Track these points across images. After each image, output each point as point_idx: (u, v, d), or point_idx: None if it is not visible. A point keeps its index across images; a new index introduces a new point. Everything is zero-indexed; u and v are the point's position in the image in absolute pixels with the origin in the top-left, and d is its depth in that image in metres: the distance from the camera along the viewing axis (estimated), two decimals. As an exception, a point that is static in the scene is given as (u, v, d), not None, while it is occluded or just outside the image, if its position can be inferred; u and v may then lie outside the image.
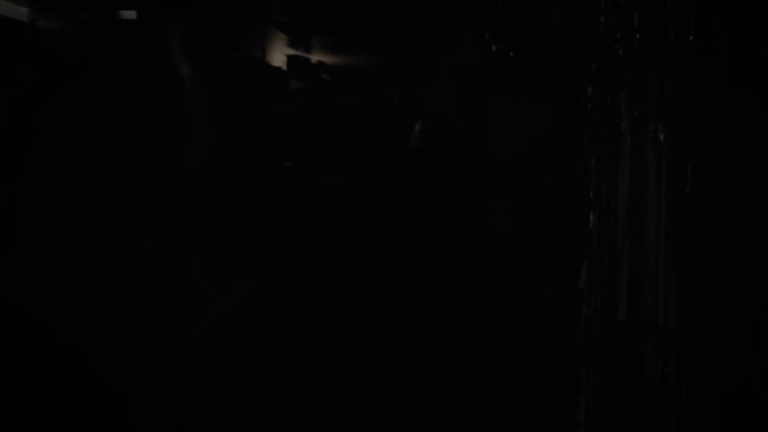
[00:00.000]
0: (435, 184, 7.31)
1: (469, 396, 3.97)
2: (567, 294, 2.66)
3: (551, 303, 3.79)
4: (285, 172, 6.59)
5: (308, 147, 7.48)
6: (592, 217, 1.78)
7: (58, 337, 2.07)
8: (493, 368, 4.44)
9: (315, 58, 7.05)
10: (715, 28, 1.48)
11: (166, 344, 2.36)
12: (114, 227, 2.88)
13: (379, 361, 4.27)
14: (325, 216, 7.02)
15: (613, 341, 1.85)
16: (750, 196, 1.52)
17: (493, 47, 3.41)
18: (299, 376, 3.31)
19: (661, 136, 1.56)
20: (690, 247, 1.54)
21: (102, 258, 2.28)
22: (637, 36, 1.59)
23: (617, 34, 1.64)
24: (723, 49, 1.48)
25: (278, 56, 6.52)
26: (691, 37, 1.49)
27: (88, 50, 2.60)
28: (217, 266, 3.22)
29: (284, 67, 6.52)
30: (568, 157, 2.79)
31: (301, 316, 4.16)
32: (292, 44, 6.33)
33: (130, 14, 2.91)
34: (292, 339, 3.84)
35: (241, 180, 4.23)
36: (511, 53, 3.43)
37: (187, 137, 3.17)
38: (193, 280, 2.92)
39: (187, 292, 2.71)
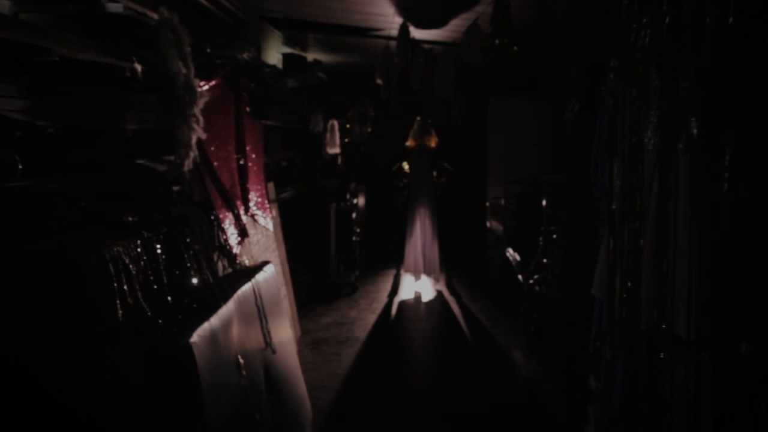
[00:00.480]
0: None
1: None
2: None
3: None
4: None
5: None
6: (615, 221, 1.62)
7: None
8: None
9: (311, 56, 6.93)
10: (758, 8, 1.32)
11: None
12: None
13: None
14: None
15: (636, 352, 1.71)
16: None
17: (497, 41, 3.26)
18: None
19: (695, 131, 1.40)
20: (725, 254, 1.39)
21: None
22: (667, 20, 1.43)
23: (643, 18, 1.47)
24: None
25: (273, 54, 6.38)
26: (731, 19, 1.32)
27: (73, 46, 2.44)
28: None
29: (279, 65, 6.38)
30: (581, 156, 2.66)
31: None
32: (287, 42, 6.20)
33: (116, 7, 2.76)
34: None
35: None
36: (515, 47, 3.28)
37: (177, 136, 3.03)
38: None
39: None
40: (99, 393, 1.99)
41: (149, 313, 2.22)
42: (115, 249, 2.13)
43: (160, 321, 2.26)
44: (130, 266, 2.18)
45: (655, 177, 1.50)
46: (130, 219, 2.43)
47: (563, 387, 3.75)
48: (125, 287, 2.12)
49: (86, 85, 2.65)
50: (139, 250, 2.29)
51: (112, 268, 2.06)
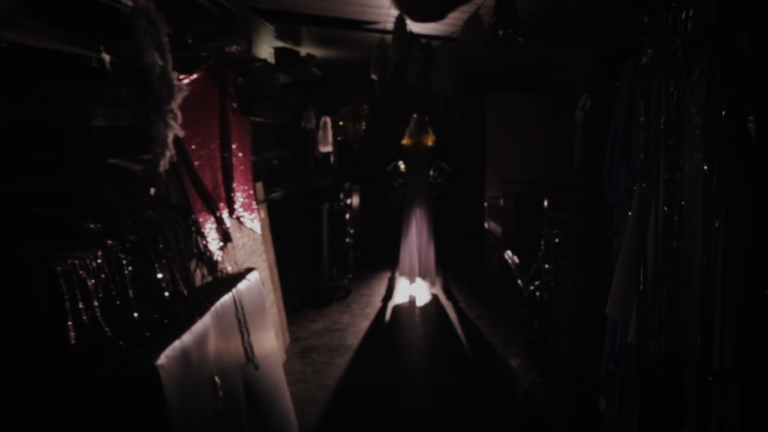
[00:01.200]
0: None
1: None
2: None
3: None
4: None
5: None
6: (649, 240, 1.37)
7: None
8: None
9: (304, 50, 6.68)
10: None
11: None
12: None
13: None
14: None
15: (665, 382, 1.47)
16: None
17: (501, 32, 3.01)
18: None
19: (752, 126, 1.15)
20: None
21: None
22: (716, -3, 1.17)
23: (685, -4, 1.21)
24: None
25: (265, 48, 6.14)
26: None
27: (30, 32, 2.20)
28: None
29: (271, 60, 6.14)
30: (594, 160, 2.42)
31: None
32: (279, 35, 5.95)
33: (86, -8, 2.50)
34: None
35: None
36: (521, 39, 3.03)
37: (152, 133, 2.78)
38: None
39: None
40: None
41: (109, 333, 1.97)
42: (69, 261, 1.89)
43: (121, 342, 2.01)
44: (88, 281, 1.93)
45: (700, 188, 1.26)
46: (92, 226, 2.18)
47: (570, 409, 3.50)
48: (80, 305, 1.87)
49: (44, 76, 2.39)
50: (99, 261, 2.04)
51: (64, 284, 1.82)
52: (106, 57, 2.55)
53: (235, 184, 4.00)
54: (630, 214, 1.96)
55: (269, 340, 3.44)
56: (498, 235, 7.19)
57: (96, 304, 1.95)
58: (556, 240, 4.56)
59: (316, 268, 6.57)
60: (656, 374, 1.43)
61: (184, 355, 2.25)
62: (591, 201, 2.66)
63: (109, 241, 2.15)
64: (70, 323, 1.80)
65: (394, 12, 4.67)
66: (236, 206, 3.98)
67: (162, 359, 2.08)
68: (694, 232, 1.31)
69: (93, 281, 1.96)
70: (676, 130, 1.28)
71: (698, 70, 1.46)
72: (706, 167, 1.21)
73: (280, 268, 5.08)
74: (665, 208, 1.28)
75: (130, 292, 2.19)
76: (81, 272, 1.91)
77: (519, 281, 5.32)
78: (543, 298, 4.44)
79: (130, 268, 2.22)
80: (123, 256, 2.19)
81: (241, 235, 4.04)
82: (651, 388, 1.46)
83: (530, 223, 6.47)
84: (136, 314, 2.18)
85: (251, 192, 4.41)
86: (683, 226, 1.29)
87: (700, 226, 1.23)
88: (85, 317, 1.88)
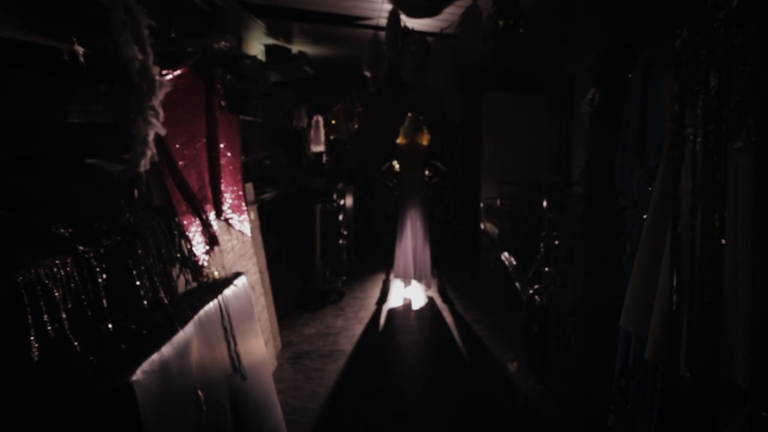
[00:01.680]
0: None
1: None
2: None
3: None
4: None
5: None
6: (683, 249, 1.22)
7: None
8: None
9: (296, 48, 6.52)
10: None
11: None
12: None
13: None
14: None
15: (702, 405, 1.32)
16: None
17: (501, 22, 2.85)
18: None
19: None
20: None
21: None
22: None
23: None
24: None
25: (255, 45, 5.99)
26: None
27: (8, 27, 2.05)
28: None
29: (262, 57, 5.98)
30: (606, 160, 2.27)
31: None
32: (270, 32, 5.79)
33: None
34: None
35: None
36: (522, 30, 2.87)
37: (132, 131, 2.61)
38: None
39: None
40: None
41: (78, 348, 1.81)
42: (33, 270, 1.72)
43: (92, 357, 1.85)
44: (54, 291, 1.77)
45: (734, 189, 1.11)
46: (62, 231, 2.01)
47: (575, 425, 3.34)
48: (45, 317, 1.71)
49: (13, 69, 2.23)
50: (68, 269, 1.88)
51: (26, 296, 1.65)
52: (80, 49, 2.39)
53: (223, 185, 3.83)
54: (645, 217, 1.81)
55: (258, 348, 3.28)
56: (495, 237, 7.05)
57: (64, 316, 1.78)
58: (556, 242, 4.41)
59: (309, 270, 6.41)
60: (690, 400, 1.29)
61: (163, 368, 2.09)
62: (600, 202, 2.51)
63: (81, 247, 1.99)
64: (32, 338, 1.64)
65: (388, 7, 4.52)
66: (224, 208, 3.82)
67: (138, 375, 1.92)
68: (730, 241, 1.16)
69: (60, 291, 1.79)
70: (717, 121, 1.12)
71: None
72: (743, 167, 1.07)
73: (271, 271, 4.92)
74: (702, 214, 1.13)
75: (104, 301, 2.02)
76: (47, 281, 1.75)
77: (517, 284, 5.17)
78: (542, 302, 4.30)
79: (104, 276, 2.06)
80: (96, 262, 2.03)
81: (229, 238, 3.88)
82: (682, 412, 1.32)
83: (527, 224, 6.33)
84: (110, 326, 2.02)
85: (240, 193, 4.25)
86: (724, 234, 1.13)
87: (736, 234, 1.08)
88: (50, 331, 1.71)
